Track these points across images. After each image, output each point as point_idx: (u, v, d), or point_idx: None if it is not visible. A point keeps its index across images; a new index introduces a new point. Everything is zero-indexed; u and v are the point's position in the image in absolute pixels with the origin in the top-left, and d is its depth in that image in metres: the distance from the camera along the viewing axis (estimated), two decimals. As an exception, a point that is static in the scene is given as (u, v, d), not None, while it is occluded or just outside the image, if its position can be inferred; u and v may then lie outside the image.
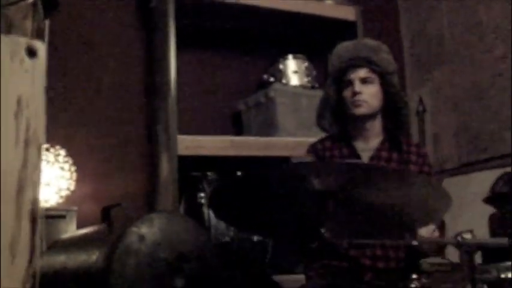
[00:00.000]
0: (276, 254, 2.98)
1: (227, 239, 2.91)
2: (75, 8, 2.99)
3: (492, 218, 2.04)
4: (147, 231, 1.45)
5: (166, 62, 2.88)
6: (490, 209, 2.11)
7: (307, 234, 1.42)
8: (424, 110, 3.70)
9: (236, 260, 2.93)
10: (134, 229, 1.44)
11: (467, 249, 1.18)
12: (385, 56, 2.08)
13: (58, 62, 2.89)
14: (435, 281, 1.32)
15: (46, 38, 2.56)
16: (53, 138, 2.79)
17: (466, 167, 3.39)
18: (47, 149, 2.79)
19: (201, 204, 2.87)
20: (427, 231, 1.83)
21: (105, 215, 1.68)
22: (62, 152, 2.86)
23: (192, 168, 2.93)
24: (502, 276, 1.22)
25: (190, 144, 2.89)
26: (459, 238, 1.18)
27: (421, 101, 3.71)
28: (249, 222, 1.51)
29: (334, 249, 2.10)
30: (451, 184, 3.35)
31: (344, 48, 2.14)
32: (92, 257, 1.48)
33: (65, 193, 2.83)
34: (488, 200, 1.83)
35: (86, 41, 3.01)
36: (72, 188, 2.84)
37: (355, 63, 2.06)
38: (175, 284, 1.48)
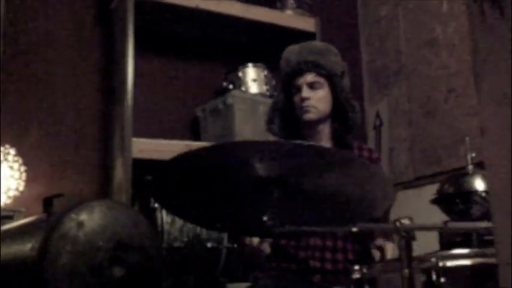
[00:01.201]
0: (229, 262, 2.95)
1: (180, 244, 2.86)
2: (33, 2, 2.95)
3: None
4: (87, 218, 1.41)
5: (124, 64, 2.85)
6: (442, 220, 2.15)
7: (248, 224, 1.40)
8: (381, 124, 3.75)
9: (189, 265, 2.88)
10: (73, 215, 1.39)
11: (404, 234, 1.19)
12: (332, 59, 2.08)
13: (10, 59, 2.83)
14: (377, 271, 1.32)
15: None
16: (3, 138, 2.71)
17: (420, 180, 3.45)
18: (-4, 148, 2.71)
19: (154, 209, 2.82)
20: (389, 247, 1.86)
21: (47, 205, 1.63)
22: (12, 151, 2.78)
23: (146, 172, 2.89)
24: (440, 265, 1.23)
25: (146, 147, 2.85)
26: (397, 223, 1.19)
27: (378, 115, 3.77)
28: (192, 211, 1.49)
29: (283, 251, 2.09)
30: (405, 196, 3.40)
31: (291, 52, 2.15)
32: (27, 245, 1.43)
33: (13, 193, 2.75)
34: (435, 201, 1.85)
35: (41, 38, 2.96)
36: (21, 188, 2.76)
37: (302, 67, 2.07)
38: (114, 273, 1.43)
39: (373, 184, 1.28)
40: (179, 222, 2.94)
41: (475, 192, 1.74)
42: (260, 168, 1.32)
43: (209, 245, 2.93)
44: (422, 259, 1.25)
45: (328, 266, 2.01)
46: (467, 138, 1.93)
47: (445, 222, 1.24)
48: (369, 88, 3.87)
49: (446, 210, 1.82)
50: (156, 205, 2.84)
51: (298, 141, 1.73)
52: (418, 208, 3.15)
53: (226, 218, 1.47)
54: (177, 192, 1.42)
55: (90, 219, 1.41)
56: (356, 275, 1.34)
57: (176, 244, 2.85)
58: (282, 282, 1.97)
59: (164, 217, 2.89)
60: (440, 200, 1.84)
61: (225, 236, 3.06)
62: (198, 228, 2.98)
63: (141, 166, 2.82)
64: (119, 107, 2.86)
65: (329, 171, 1.29)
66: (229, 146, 1.31)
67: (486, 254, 1.26)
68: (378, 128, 3.75)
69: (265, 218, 1.34)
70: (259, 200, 1.37)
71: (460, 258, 1.25)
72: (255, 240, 2.10)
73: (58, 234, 1.37)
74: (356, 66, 3.71)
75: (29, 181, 2.77)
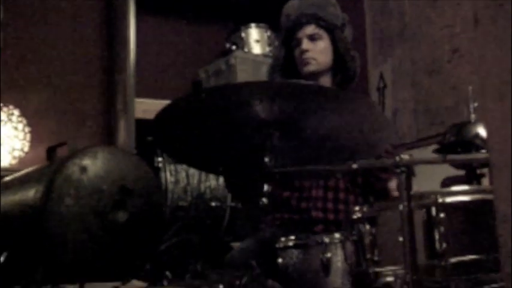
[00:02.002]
0: (233, 221, 2.98)
1: (184, 203, 2.89)
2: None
3: (443, 183, 2.07)
4: (90, 162, 1.42)
5: (126, 25, 2.84)
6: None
7: (251, 166, 1.41)
8: (385, 86, 3.73)
9: (193, 224, 2.91)
10: (76, 160, 1.40)
11: (404, 170, 1.19)
12: (331, 10, 2.06)
13: (13, 23, 2.82)
14: (377, 209, 1.33)
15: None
16: (7, 99, 2.72)
17: (423, 141, 3.44)
18: (-1, 108, 2.72)
19: (158, 168, 2.84)
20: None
21: (50, 154, 1.64)
22: (16, 112, 2.80)
23: (149, 132, 2.90)
24: (439, 201, 1.24)
25: (149, 107, 2.85)
26: (397, 158, 1.19)
27: (381, 77, 3.75)
28: (194, 155, 1.49)
29: (286, 203, 2.10)
30: (408, 157, 3.39)
31: (290, 6, 2.13)
32: (31, 191, 1.45)
33: (18, 154, 2.77)
34: (437, 151, 1.85)
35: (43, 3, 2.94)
36: (26, 149, 2.78)
37: (302, 20, 2.04)
38: (117, 218, 1.45)
39: (374, 124, 1.28)
40: (183, 181, 2.97)
41: (477, 140, 1.74)
42: (261, 110, 1.32)
43: (213, 204, 2.96)
44: (421, 195, 1.26)
45: (331, 216, 2.02)
46: (470, 88, 1.92)
47: (445, 156, 1.24)
48: (372, 50, 3.84)
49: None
50: (160, 165, 2.87)
51: (299, 80, 1.73)
52: (421, 169, 3.16)
53: (228, 162, 1.48)
54: (179, 136, 1.43)
55: (93, 164, 1.42)
56: (357, 215, 1.35)
57: (180, 203, 2.89)
58: (285, 232, 1.98)
59: (168, 177, 2.92)
60: (442, 150, 1.84)
61: (228, 195, 3.09)
62: (202, 188, 3.01)
63: (144, 127, 2.83)
64: (122, 67, 2.86)
65: (330, 111, 1.29)
66: (230, 87, 1.31)
67: (485, 190, 1.27)
68: (381, 90, 3.73)
69: (266, 160, 1.35)
70: (260, 142, 1.37)
71: (459, 194, 1.26)
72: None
73: (61, 177, 1.38)
74: (359, 28, 3.67)
75: (33, 142, 2.79)
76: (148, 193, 1.54)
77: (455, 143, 1.81)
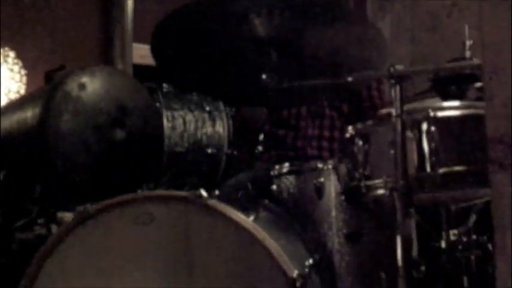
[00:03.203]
0: (229, 168, 3.01)
1: (181, 149, 2.91)
2: None
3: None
4: (88, 80, 1.43)
5: (124, -32, 2.82)
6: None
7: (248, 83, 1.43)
8: (383, 42, 3.73)
9: (189, 171, 2.94)
10: (75, 77, 1.42)
11: (398, 80, 1.21)
12: None
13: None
14: (370, 125, 1.36)
15: None
16: (2, 41, 2.71)
17: (421, 95, 3.45)
18: (-6, 50, 2.72)
19: (155, 114, 2.85)
20: None
21: (48, 79, 1.65)
22: (12, 54, 2.79)
23: (146, 78, 2.90)
24: (431, 115, 1.26)
25: (146, 53, 2.84)
26: (391, 69, 1.22)
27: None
28: (192, 77, 1.51)
29: (281, 142, 2.13)
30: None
31: None
32: (29, 111, 1.46)
33: (14, 96, 2.77)
34: (431, 88, 1.87)
35: None
36: (22, 91, 2.78)
37: None
38: (115, 136, 1.47)
39: (370, 41, 1.30)
40: (180, 127, 2.98)
41: (471, 74, 1.76)
42: (259, 25, 1.33)
43: (209, 151, 2.98)
44: (413, 110, 1.28)
45: (326, 154, 2.06)
46: (466, 26, 1.93)
47: (438, 66, 1.26)
48: (372, 6, 3.83)
49: (443, 94, 1.84)
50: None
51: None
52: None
53: (226, 83, 1.50)
54: (177, 57, 1.44)
55: (91, 82, 1.44)
56: (350, 132, 1.38)
57: (177, 149, 2.90)
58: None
59: (165, 122, 2.93)
60: (436, 85, 1.85)
61: (225, 142, 3.11)
62: (199, 134, 3.03)
63: (142, 72, 2.83)
64: (120, 10, 2.85)
65: (328, 26, 1.30)
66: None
67: (476, 105, 1.30)
68: (379, 46, 3.73)
69: (263, 77, 1.37)
70: (258, 60, 1.39)
71: (451, 109, 1.28)
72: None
73: (60, 94, 1.40)
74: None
75: (29, 85, 2.79)
76: (145, 114, 1.56)
77: (449, 77, 1.83)
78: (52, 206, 1.54)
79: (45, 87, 1.58)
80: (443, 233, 1.43)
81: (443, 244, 1.42)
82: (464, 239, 1.45)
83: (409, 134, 1.26)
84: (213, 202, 1.19)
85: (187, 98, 2.63)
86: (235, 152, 3.02)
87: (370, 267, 1.60)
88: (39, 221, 1.70)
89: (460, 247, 1.40)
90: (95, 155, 1.44)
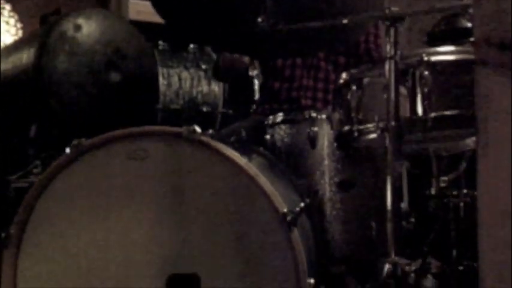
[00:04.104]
0: (224, 127, 3.02)
1: (176, 106, 2.91)
2: None
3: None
4: (84, 22, 1.43)
5: None
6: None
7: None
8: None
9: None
10: (70, 18, 1.41)
11: (393, 22, 1.22)
12: None
13: None
14: (364, 70, 1.37)
15: None
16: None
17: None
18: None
19: (151, 70, 2.85)
20: None
21: (43, 22, 1.64)
22: (7, 7, 2.77)
23: (143, 35, 2.89)
24: (425, 59, 1.27)
25: (143, 9, 2.83)
26: (387, 10, 1.22)
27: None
28: (189, 23, 1.51)
29: (276, 94, 2.14)
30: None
31: None
32: (25, 52, 1.46)
33: (10, 49, 2.76)
34: (426, 43, 1.87)
35: None
36: (17, 45, 2.77)
37: None
38: (110, 78, 1.48)
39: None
40: (175, 85, 2.98)
41: (466, 29, 1.76)
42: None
43: (204, 109, 2.98)
44: (408, 55, 1.29)
45: (319, 105, 2.07)
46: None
47: (432, 8, 1.27)
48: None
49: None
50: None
51: None
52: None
53: (222, 31, 1.49)
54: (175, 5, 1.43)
55: (87, 23, 1.43)
56: (345, 77, 1.39)
57: (172, 106, 2.91)
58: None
59: (160, 79, 2.93)
60: (431, 39, 1.86)
61: (220, 101, 3.12)
62: (194, 92, 3.02)
63: (138, 28, 2.82)
64: (116, -36, 2.82)
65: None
66: None
67: (470, 51, 1.30)
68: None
69: (259, 20, 1.37)
70: (253, 3, 1.39)
71: (445, 54, 1.29)
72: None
73: (56, 34, 1.39)
74: None
75: (26, 39, 2.77)
76: (140, 57, 1.56)
77: (444, 31, 1.83)
78: (48, 147, 1.56)
79: (41, 28, 1.57)
80: (434, 181, 1.45)
81: (433, 191, 1.44)
82: (454, 186, 1.47)
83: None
84: (206, 138, 1.20)
85: (183, 55, 2.62)
86: (230, 111, 3.03)
87: (360, 215, 1.63)
88: (35, 170, 1.71)
89: (449, 193, 1.42)
90: (90, 96, 1.45)
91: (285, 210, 1.15)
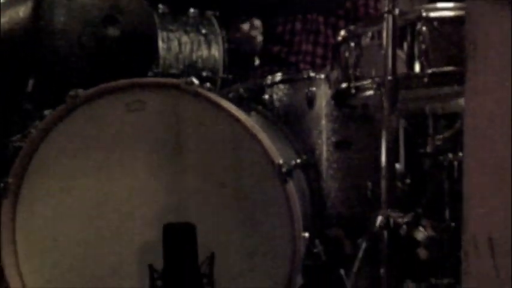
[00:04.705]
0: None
1: (176, 71, 2.91)
2: None
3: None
4: (81, -24, 1.42)
5: None
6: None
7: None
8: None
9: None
10: (67, -29, 1.40)
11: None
12: None
13: None
14: (363, 27, 1.36)
15: None
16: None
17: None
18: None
19: (151, 35, 2.83)
20: None
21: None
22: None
23: None
24: (424, 15, 1.26)
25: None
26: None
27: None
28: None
29: (275, 58, 2.14)
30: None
31: None
32: (22, 6, 1.45)
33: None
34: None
35: None
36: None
37: None
38: (108, 33, 1.47)
39: None
40: (175, 49, 2.96)
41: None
42: None
43: (204, 74, 2.98)
44: (406, 10, 1.28)
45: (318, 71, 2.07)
46: None
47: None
48: None
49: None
50: (153, 31, 2.85)
51: None
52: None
53: None
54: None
55: (85, -23, 1.42)
56: (343, 34, 1.38)
57: (172, 71, 2.90)
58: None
59: (160, 44, 2.92)
60: None
61: (220, 66, 3.11)
62: (194, 57, 3.01)
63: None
64: None
65: None
66: None
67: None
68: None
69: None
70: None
71: (445, 10, 1.28)
72: (245, 28, 2.14)
73: (53, -13, 1.39)
74: None
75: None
76: (139, 13, 1.55)
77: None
78: (45, 103, 1.56)
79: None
80: (430, 139, 1.46)
81: (428, 149, 1.46)
82: (450, 147, 1.48)
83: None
84: (204, 90, 1.20)
85: (183, 19, 2.60)
86: (230, 76, 3.03)
87: (356, 175, 1.64)
88: (33, 132, 1.72)
89: (444, 151, 1.43)
90: (88, 50, 1.45)
91: (281, 161, 1.16)
